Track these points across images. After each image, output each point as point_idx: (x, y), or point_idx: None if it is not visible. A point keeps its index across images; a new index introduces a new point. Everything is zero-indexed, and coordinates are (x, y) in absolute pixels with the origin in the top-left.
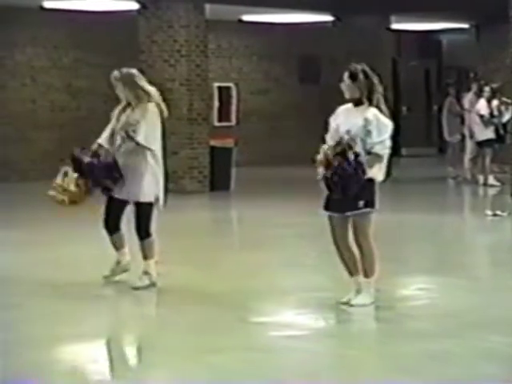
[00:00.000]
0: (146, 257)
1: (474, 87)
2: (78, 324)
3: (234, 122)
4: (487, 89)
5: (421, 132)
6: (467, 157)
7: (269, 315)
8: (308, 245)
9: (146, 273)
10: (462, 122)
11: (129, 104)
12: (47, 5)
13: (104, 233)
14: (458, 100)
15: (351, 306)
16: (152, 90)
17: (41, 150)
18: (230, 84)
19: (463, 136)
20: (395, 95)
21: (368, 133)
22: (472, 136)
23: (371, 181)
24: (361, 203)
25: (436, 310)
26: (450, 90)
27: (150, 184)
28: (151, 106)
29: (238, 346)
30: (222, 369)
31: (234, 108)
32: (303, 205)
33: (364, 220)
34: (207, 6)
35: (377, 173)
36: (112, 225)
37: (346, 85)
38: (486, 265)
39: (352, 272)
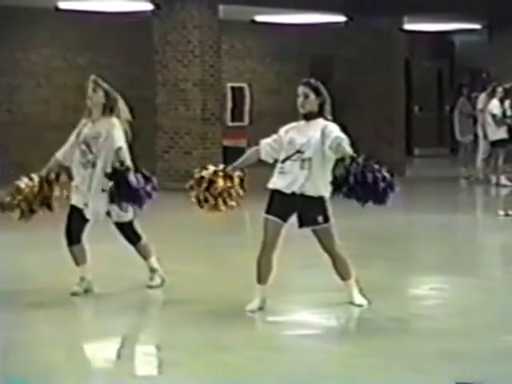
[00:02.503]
0: (145, 257)
1: (489, 88)
2: (90, 324)
3: (247, 121)
4: (500, 89)
5: (433, 132)
6: (480, 157)
7: (282, 314)
8: (317, 245)
9: (153, 270)
10: (475, 122)
11: (89, 115)
12: (62, 6)
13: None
14: (470, 100)
15: (359, 306)
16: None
17: (54, 151)
18: (243, 84)
19: (476, 136)
20: (407, 95)
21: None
22: (486, 136)
23: (322, 198)
24: (320, 218)
25: (449, 309)
26: (463, 90)
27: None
28: (115, 120)
29: (251, 345)
30: (235, 367)
31: (247, 108)
32: None
33: (327, 233)
34: (220, 7)
35: (325, 191)
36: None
37: (309, 100)
38: (499, 264)
39: (261, 280)
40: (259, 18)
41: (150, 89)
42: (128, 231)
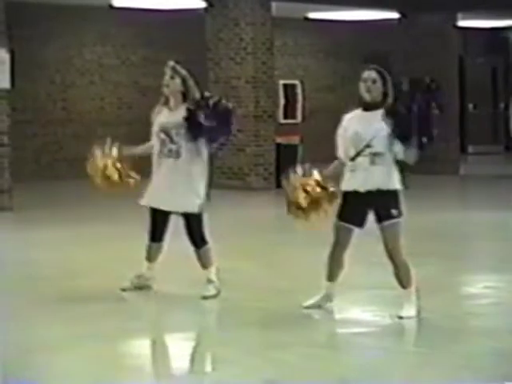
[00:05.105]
0: (204, 266)
1: None
2: (146, 321)
3: (299, 119)
4: None
5: (487, 129)
6: None
7: (336, 312)
8: (374, 242)
9: (209, 281)
10: None
11: (165, 103)
12: (116, 3)
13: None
14: None
15: (400, 318)
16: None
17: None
18: (296, 81)
19: None
20: (461, 92)
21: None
22: None
23: (396, 191)
24: (394, 212)
25: (503, 308)
26: None
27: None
28: None
29: (305, 343)
30: (288, 365)
31: (299, 105)
32: None
33: (395, 230)
34: (273, 4)
35: (398, 183)
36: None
37: (376, 86)
38: None
39: (331, 277)
40: (312, 15)
41: (203, 86)
42: (195, 226)
